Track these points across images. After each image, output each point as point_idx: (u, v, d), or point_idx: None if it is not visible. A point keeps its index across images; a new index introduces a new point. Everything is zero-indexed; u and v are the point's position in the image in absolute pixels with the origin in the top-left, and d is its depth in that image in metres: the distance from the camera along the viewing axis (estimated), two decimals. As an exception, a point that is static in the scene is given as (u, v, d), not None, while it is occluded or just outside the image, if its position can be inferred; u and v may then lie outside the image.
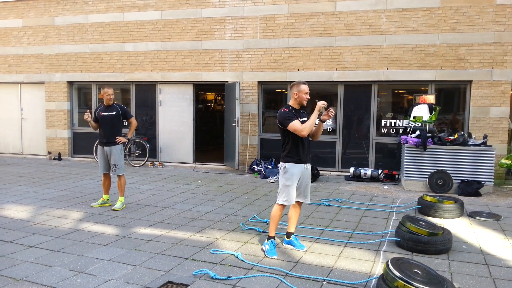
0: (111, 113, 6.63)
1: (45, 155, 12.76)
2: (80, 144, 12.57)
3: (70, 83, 12.48)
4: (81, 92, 12.74)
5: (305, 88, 4.64)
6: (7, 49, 12.91)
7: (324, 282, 3.93)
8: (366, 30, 9.75)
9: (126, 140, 6.84)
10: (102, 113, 6.63)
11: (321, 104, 4.48)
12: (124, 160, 7.19)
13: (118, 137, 6.65)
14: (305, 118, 4.68)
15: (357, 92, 10.17)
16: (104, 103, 6.67)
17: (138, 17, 11.45)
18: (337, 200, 7.32)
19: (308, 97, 4.65)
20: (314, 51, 10.10)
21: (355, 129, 10.31)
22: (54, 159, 12.42)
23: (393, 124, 9.98)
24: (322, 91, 10.64)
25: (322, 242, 5.09)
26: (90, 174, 9.94)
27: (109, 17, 11.73)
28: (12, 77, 12.94)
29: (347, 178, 9.54)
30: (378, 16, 9.66)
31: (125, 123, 6.95)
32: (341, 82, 10.13)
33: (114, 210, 6.51)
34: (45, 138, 12.79)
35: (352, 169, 9.50)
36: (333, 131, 10.36)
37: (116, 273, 4.09)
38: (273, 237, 4.74)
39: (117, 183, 6.80)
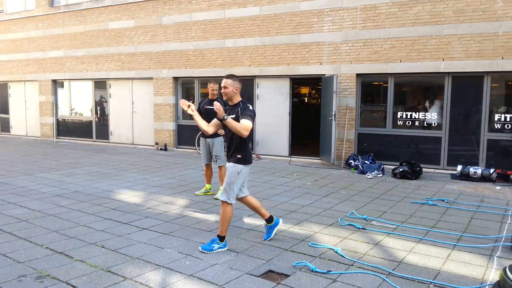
0: (213, 107, 6.93)
1: (153, 146, 13.80)
2: (184, 136, 13.38)
3: (175, 79, 13.32)
4: (184, 87, 13.53)
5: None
6: (120, 47, 14.16)
7: (430, 285, 3.73)
8: (478, 17, 8.95)
9: (228, 133, 7.11)
10: (206, 106, 6.96)
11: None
12: (225, 152, 7.48)
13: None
14: (233, 116, 4.80)
15: (467, 84, 9.40)
16: (209, 97, 7.01)
17: (238, 14, 11.80)
18: (443, 200, 6.87)
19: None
20: (419, 40, 9.54)
21: (463, 124, 9.55)
22: (161, 149, 13.39)
23: (508, 119, 9.06)
24: (426, 83, 10.03)
25: (427, 243, 4.82)
26: (193, 164, 10.54)
27: (211, 14, 12.26)
28: (125, 73, 14.17)
29: (453, 176, 8.90)
30: (493, 1, 8.80)
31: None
32: (448, 73, 9.44)
33: (216, 199, 6.84)
34: (153, 130, 13.83)
35: (459, 167, 8.83)
36: (438, 126, 9.71)
37: (220, 258, 4.30)
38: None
39: (218, 173, 7.12)
